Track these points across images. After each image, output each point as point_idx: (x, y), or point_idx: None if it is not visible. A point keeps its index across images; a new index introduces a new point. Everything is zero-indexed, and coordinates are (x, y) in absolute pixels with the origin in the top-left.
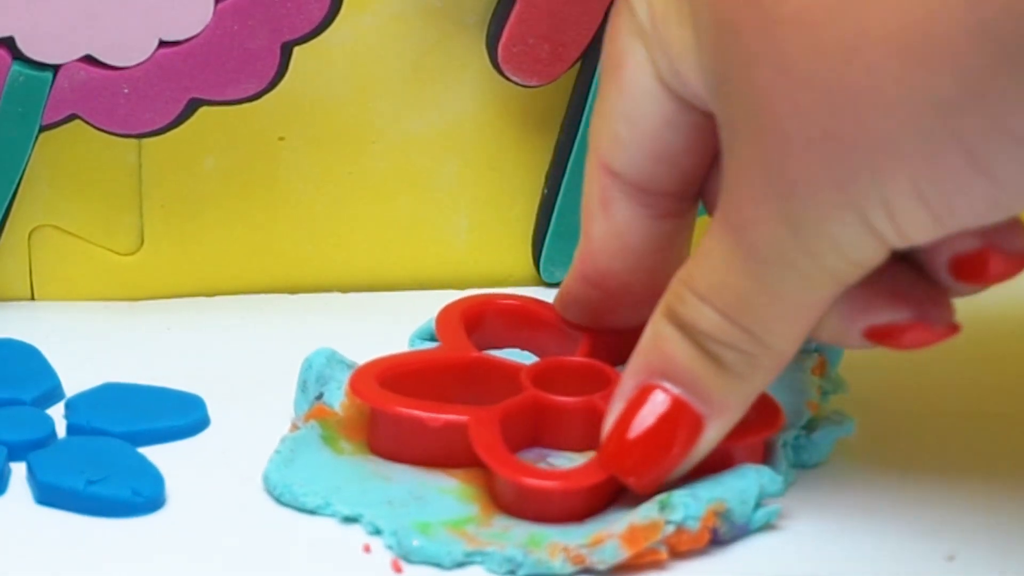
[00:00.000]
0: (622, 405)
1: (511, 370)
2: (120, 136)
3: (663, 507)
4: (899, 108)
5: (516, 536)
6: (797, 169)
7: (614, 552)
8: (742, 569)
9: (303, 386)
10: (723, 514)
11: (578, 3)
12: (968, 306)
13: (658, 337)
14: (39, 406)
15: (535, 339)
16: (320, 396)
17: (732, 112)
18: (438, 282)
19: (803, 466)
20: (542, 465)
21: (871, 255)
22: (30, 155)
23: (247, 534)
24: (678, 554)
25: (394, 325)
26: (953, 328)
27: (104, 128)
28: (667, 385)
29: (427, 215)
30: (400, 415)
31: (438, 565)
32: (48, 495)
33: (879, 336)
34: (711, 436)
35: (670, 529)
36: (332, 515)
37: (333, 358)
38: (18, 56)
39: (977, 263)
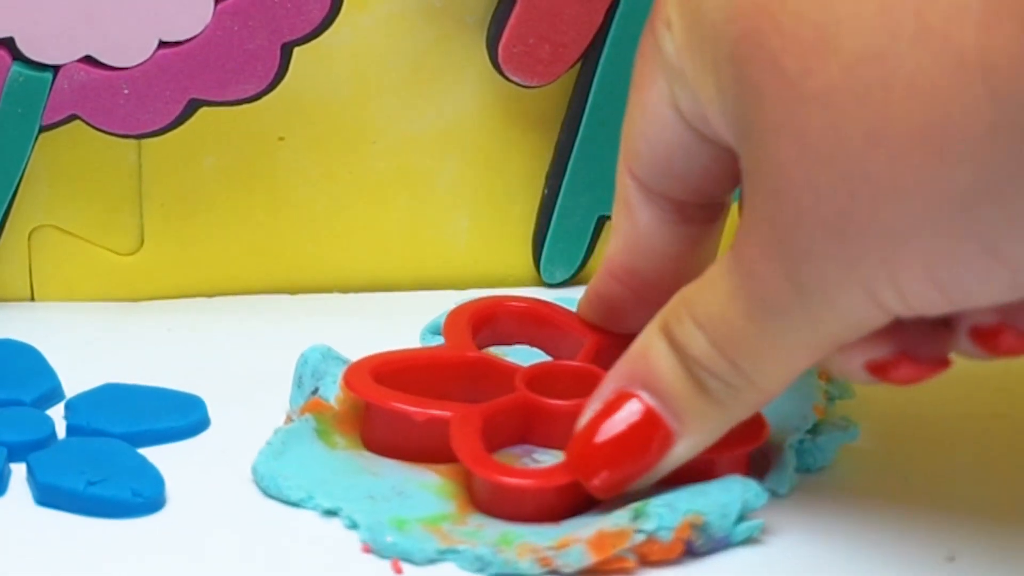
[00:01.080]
0: (598, 406)
1: (508, 371)
2: (120, 136)
3: (637, 515)
4: (917, 199)
5: (488, 535)
6: (808, 241)
7: (579, 557)
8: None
9: (299, 381)
10: (700, 526)
11: (578, 3)
12: None
13: (648, 348)
14: (39, 407)
15: (543, 341)
16: (316, 391)
17: (752, 167)
18: (438, 283)
19: (807, 470)
20: (527, 461)
21: (874, 323)
22: (30, 155)
23: (247, 535)
24: (650, 563)
25: (394, 326)
26: (942, 363)
27: (104, 129)
28: (645, 396)
29: (427, 215)
30: (387, 408)
31: (411, 561)
32: (48, 496)
33: (877, 372)
34: (679, 453)
35: (640, 538)
36: (314, 508)
37: (328, 354)
38: (18, 56)
39: (990, 337)
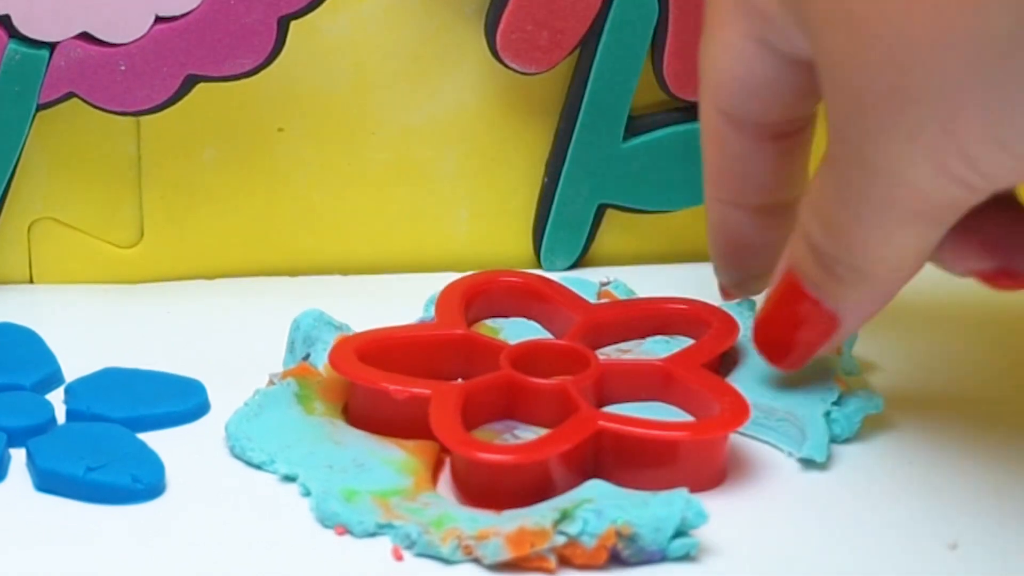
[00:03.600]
0: (770, 294)
1: (495, 348)
2: (117, 114)
3: (563, 517)
4: (961, 53)
5: (428, 514)
6: (869, 123)
7: (496, 550)
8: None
9: (291, 346)
10: (629, 537)
11: None
12: (973, 292)
13: (793, 239)
14: (39, 391)
15: (537, 316)
16: (307, 357)
17: (817, 67)
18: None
19: (834, 440)
20: (507, 437)
21: (959, 198)
22: (28, 133)
23: (247, 520)
24: (573, 566)
25: (395, 307)
26: None
27: (101, 106)
28: (801, 281)
29: (427, 205)
30: (369, 387)
31: (350, 532)
32: (48, 482)
33: (982, 279)
34: (848, 328)
35: (560, 540)
36: (274, 472)
37: (321, 319)
38: (14, 34)
39: None
